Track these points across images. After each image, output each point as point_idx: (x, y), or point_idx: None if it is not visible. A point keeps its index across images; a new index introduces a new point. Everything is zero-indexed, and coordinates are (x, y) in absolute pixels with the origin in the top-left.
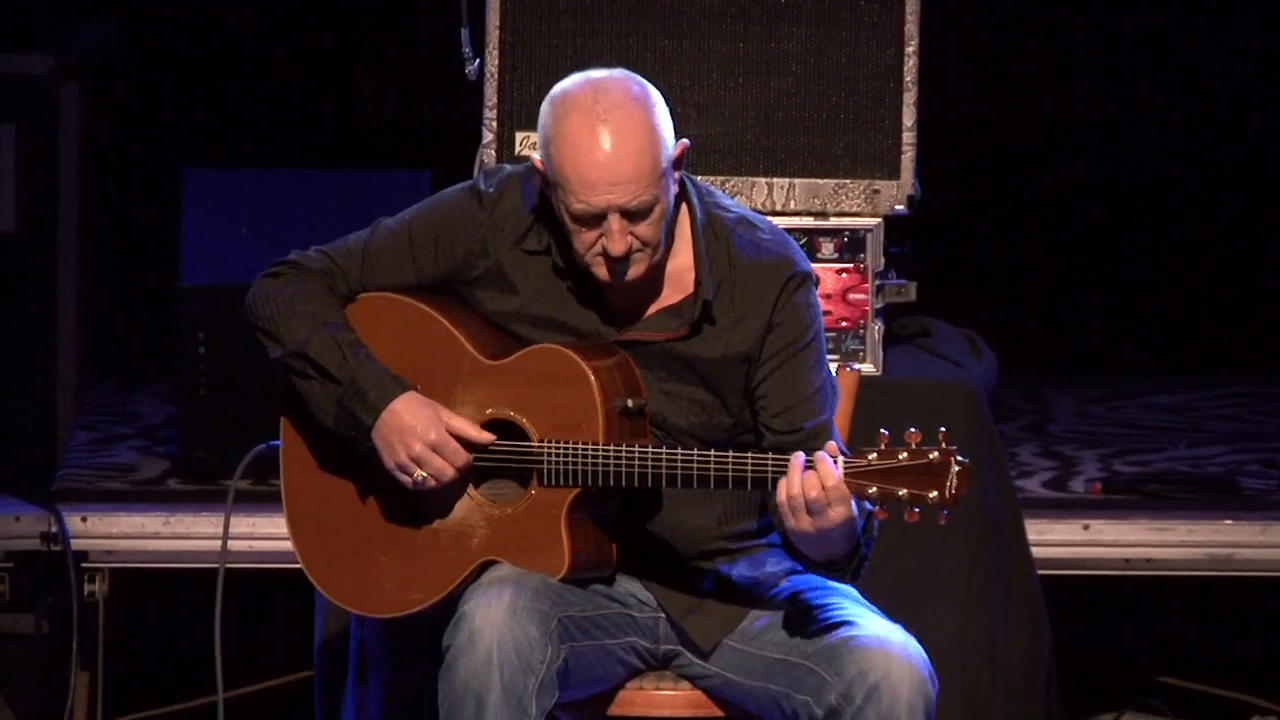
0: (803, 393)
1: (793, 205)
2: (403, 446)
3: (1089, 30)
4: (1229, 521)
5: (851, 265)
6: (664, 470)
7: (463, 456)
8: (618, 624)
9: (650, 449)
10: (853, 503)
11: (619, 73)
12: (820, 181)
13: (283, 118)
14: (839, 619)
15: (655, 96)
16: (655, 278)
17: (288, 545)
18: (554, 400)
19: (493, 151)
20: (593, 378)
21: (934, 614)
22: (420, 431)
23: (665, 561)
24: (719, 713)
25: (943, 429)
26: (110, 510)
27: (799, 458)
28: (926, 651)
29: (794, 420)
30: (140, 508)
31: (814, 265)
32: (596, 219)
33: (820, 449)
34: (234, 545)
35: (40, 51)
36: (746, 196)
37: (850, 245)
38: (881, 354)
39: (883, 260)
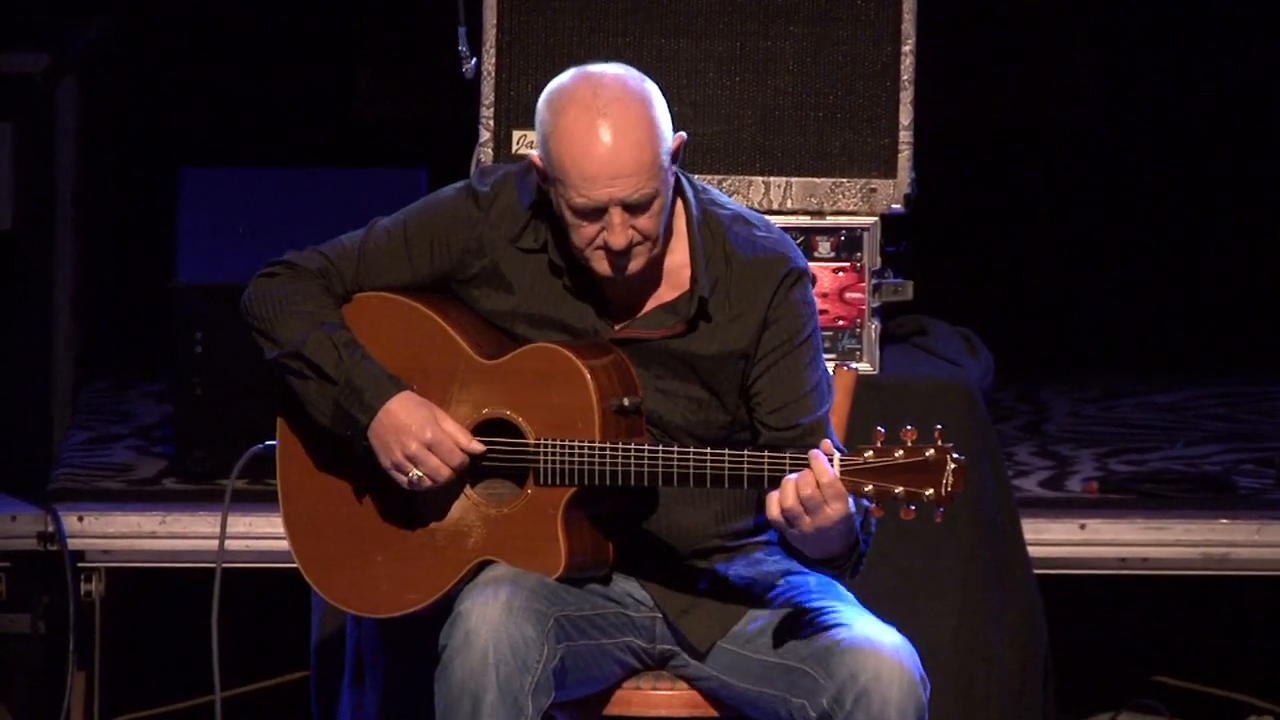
0: (798, 390)
1: (789, 204)
2: (398, 446)
3: (1086, 29)
4: (1225, 521)
5: (848, 264)
6: (660, 469)
7: (458, 456)
8: (614, 623)
9: (646, 447)
10: (850, 499)
11: (616, 67)
12: (817, 180)
13: (280, 117)
14: (831, 621)
15: (652, 90)
16: (652, 274)
17: (284, 545)
18: (550, 399)
19: (489, 150)
20: (589, 377)
21: (930, 613)
22: (416, 431)
23: (662, 560)
24: (715, 713)
25: (939, 426)
26: (107, 510)
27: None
28: (922, 650)
29: (789, 417)
30: (137, 507)
31: (811, 264)
32: (597, 213)
33: (815, 446)
34: (230, 545)
35: (37, 50)
36: (743, 195)
37: (847, 244)
38: (878, 353)
39: (879, 259)
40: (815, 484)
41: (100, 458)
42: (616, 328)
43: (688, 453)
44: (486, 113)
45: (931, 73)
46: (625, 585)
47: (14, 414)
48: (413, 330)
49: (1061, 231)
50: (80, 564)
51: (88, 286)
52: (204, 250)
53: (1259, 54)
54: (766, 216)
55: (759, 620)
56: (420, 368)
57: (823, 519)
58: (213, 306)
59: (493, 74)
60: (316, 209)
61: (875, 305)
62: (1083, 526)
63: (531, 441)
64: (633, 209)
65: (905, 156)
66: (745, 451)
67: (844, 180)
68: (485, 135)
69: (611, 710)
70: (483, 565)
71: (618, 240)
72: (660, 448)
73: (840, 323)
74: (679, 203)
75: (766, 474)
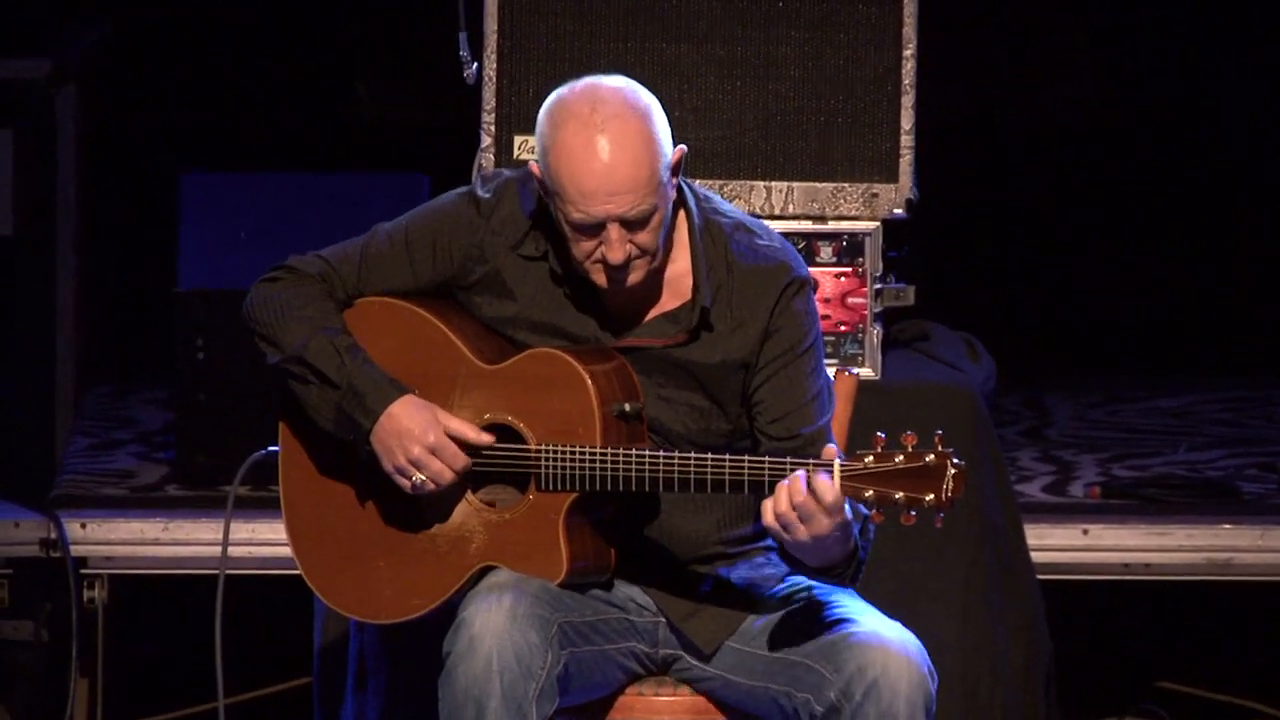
0: (800, 399)
1: (791, 209)
2: (401, 450)
3: (1087, 34)
4: (1228, 526)
5: (850, 269)
6: (661, 474)
7: (461, 459)
8: (617, 629)
9: (648, 453)
10: (847, 506)
11: (616, 80)
12: (819, 185)
13: (281, 122)
14: (837, 616)
15: (653, 104)
16: (654, 284)
17: (287, 551)
18: (551, 405)
19: (491, 156)
20: (590, 382)
21: (933, 618)
22: (419, 434)
23: (664, 566)
24: (720, 717)
25: (939, 431)
26: (109, 516)
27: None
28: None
29: (791, 426)
30: (139, 513)
31: (812, 269)
32: (595, 228)
33: (816, 456)
34: (233, 551)
35: (38, 55)
36: (745, 200)
37: (849, 249)
38: (880, 358)
39: (881, 264)
40: (806, 490)
41: (103, 464)
42: (618, 336)
43: (689, 458)
44: (488, 118)
45: (933, 77)
46: (627, 591)
47: (16, 420)
48: (414, 335)
49: (1063, 236)
50: (83, 570)
51: (89, 292)
52: (205, 256)
53: (1259, 58)
54: (768, 223)
55: (763, 618)
56: (422, 372)
57: (818, 527)
58: (214, 312)
59: (494, 79)
60: (318, 214)
61: (877, 310)
62: (1085, 532)
63: (533, 447)
64: (631, 225)
65: (907, 161)
66: (746, 456)
67: (846, 185)
68: (486, 140)
69: (615, 716)
70: (485, 571)
71: (615, 256)
72: (661, 453)
73: (842, 328)
74: (680, 212)
75: (768, 479)
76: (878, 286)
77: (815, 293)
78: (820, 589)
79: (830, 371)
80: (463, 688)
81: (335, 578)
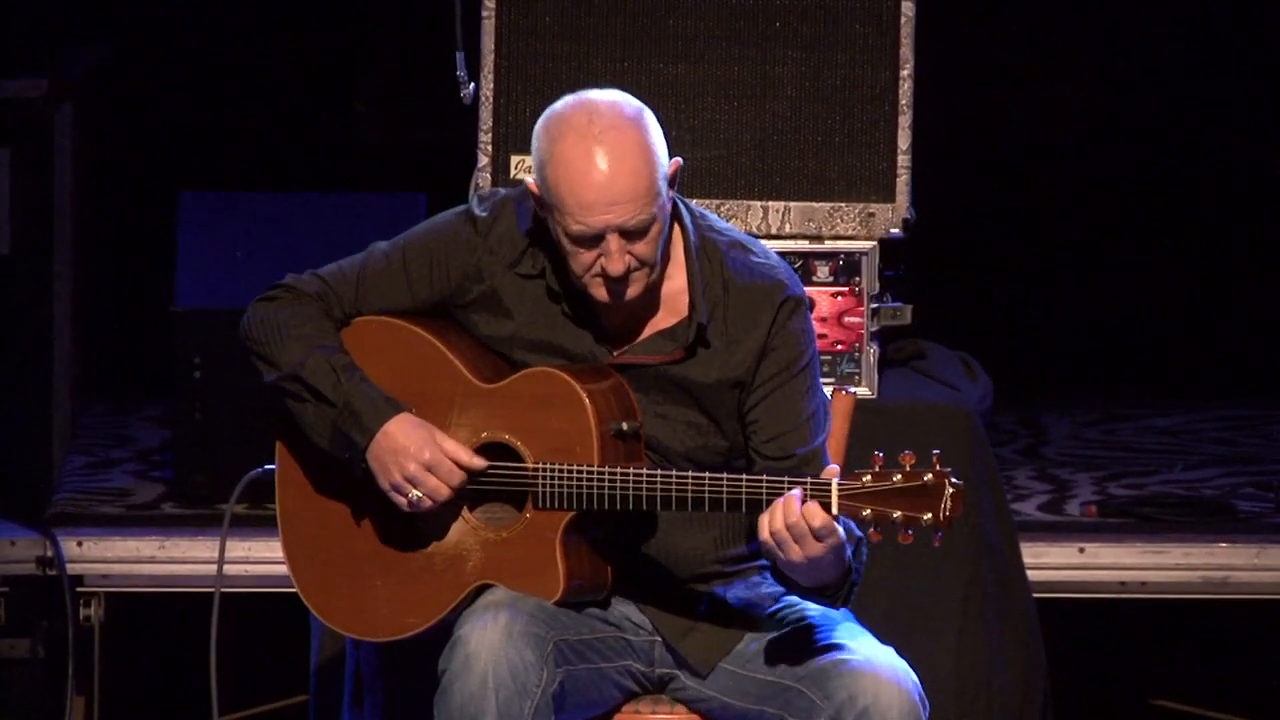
0: (795, 419)
1: (788, 228)
2: (397, 467)
3: (1085, 55)
4: (1224, 544)
5: (847, 288)
6: (659, 493)
7: (458, 476)
8: (613, 647)
9: (645, 472)
10: (840, 528)
11: (612, 93)
12: (815, 205)
13: (278, 140)
14: (831, 641)
15: (648, 115)
16: (651, 300)
17: (283, 569)
18: (549, 423)
19: (488, 175)
20: (587, 401)
21: (930, 636)
22: (414, 452)
23: (660, 585)
24: None
25: (936, 451)
26: (106, 534)
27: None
28: (922, 674)
29: (786, 446)
30: (136, 532)
31: (809, 288)
32: (595, 240)
33: (813, 476)
34: (229, 569)
35: (35, 75)
36: (742, 220)
37: (845, 268)
38: (877, 377)
39: (878, 283)
40: (799, 511)
41: (99, 482)
42: (615, 354)
43: (686, 477)
44: (485, 137)
45: (930, 97)
46: (624, 609)
47: (13, 438)
48: (411, 354)
49: (1060, 256)
50: (79, 589)
51: (86, 310)
52: (203, 274)
53: (1258, 75)
54: (765, 242)
55: (757, 640)
56: (419, 391)
57: (810, 548)
58: (211, 331)
59: (491, 99)
60: (315, 233)
61: (874, 329)
62: (1082, 550)
63: (530, 465)
64: (630, 235)
65: (904, 181)
66: (744, 475)
67: (842, 205)
68: (483, 160)
69: None
70: (481, 589)
71: (615, 267)
72: (659, 472)
73: (839, 347)
74: (677, 229)
75: (765, 498)
76: (874, 306)
77: (812, 311)
78: (815, 612)
79: (827, 390)
80: (458, 705)
81: (331, 596)
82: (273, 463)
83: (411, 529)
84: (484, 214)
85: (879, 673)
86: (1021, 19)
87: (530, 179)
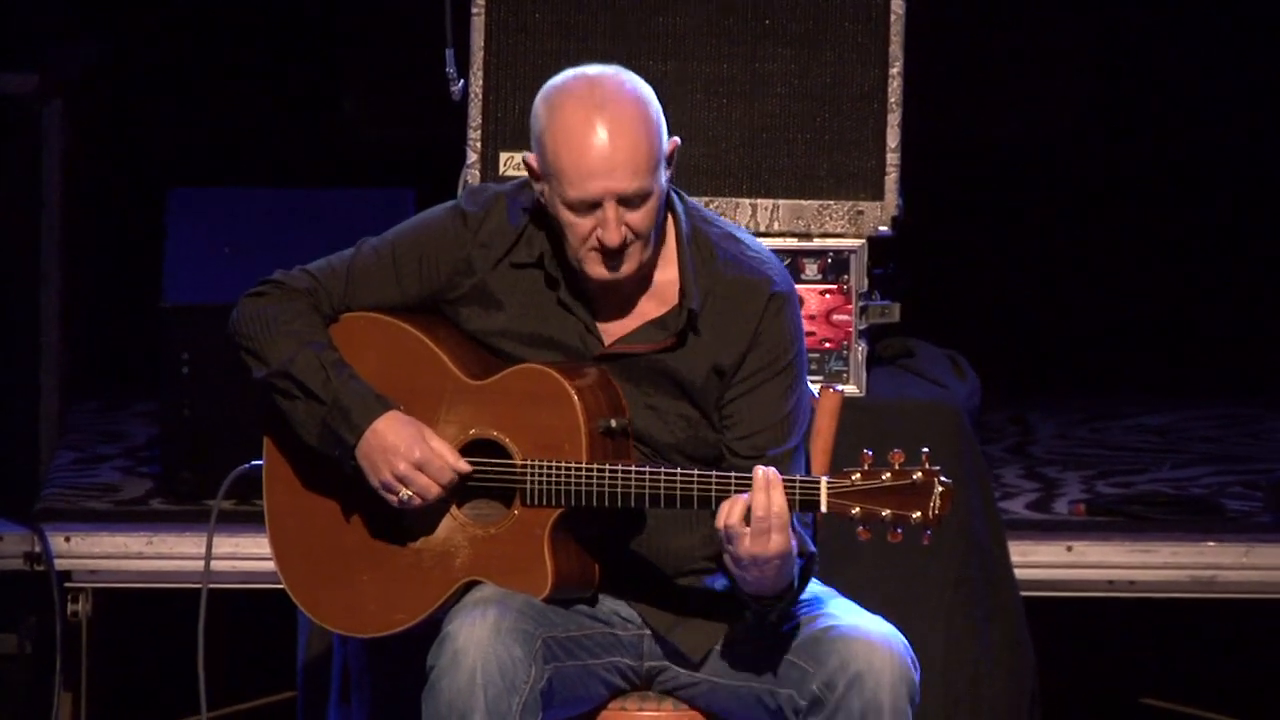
0: (772, 417)
1: (776, 226)
2: (386, 465)
3: (1073, 51)
4: (1212, 543)
5: (835, 286)
6: (647, 490)
7: (448, 475)
8: (601, 644)
9: (634, 469)
10: (793, 542)
11: (611, 68)
12: (804, 203)
13: (267, 137)
14: (818, 612)
15: (648, 90)
16: (643, 287)
17: (270, 565)
18: (537, 420)
19: (477, 172)
20: (576, 398)
21: (918, 635)
22: (404, 450)
23: (650, 581)
24: None
25: (925, 450)
26: (93, 530)
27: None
28: None
29: (759, 445)
30: (123, 528)
31: (798, 286)
32: (592, 207)
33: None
34: (217, 565)
35: (24, 71)
36: (730, 217)
37: (834, 266)
38: (865, 375)
39: (866, 281)
40: (766, 506)
41: (87, 478)
42: (607, 343)
43: (674, 474)
44: (474, 134)
45: (919, 95)
46: (612, 605)
47: (1, 434)
48: (400, 350)
49: (1048, 254)
50: (67, 584)
51: (75, 307)
52: (192, 271)
53: (1251, 79)
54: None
55: (744, 622)
56: (408, 388)
57: (760, 546)
58: (200, 327)
59: (480, 95)
60: (304, 229)
61: (862, 327)
62: (1070, 549)
63: (518, 462)
64: (627, 203)
65: (892, 179)
66: (733, 473)
67: (831, 202)
68: (472, 157)
69: None
70: (469, 585)
71: (612, 238)
72: (648, 469)
73: (827, 345)
74: (670, 218)
75: None
76: (862, 304)
77: (801, 307)
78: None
79: (814, 388)
80: (446, 701)
81: (319, 592)
82: (260, 459)
83: (399, 525)
84: (474, 209)
85: (870, 638)
86: (1011, 17)
87: (528, 154)
